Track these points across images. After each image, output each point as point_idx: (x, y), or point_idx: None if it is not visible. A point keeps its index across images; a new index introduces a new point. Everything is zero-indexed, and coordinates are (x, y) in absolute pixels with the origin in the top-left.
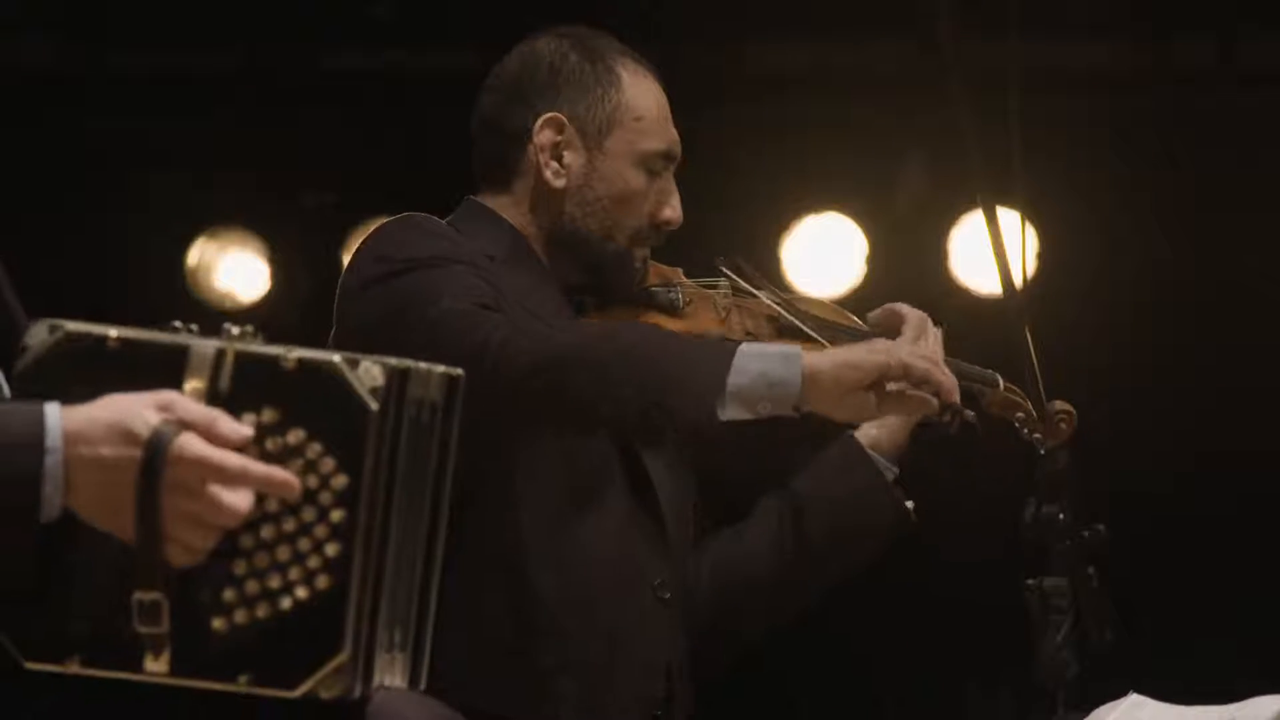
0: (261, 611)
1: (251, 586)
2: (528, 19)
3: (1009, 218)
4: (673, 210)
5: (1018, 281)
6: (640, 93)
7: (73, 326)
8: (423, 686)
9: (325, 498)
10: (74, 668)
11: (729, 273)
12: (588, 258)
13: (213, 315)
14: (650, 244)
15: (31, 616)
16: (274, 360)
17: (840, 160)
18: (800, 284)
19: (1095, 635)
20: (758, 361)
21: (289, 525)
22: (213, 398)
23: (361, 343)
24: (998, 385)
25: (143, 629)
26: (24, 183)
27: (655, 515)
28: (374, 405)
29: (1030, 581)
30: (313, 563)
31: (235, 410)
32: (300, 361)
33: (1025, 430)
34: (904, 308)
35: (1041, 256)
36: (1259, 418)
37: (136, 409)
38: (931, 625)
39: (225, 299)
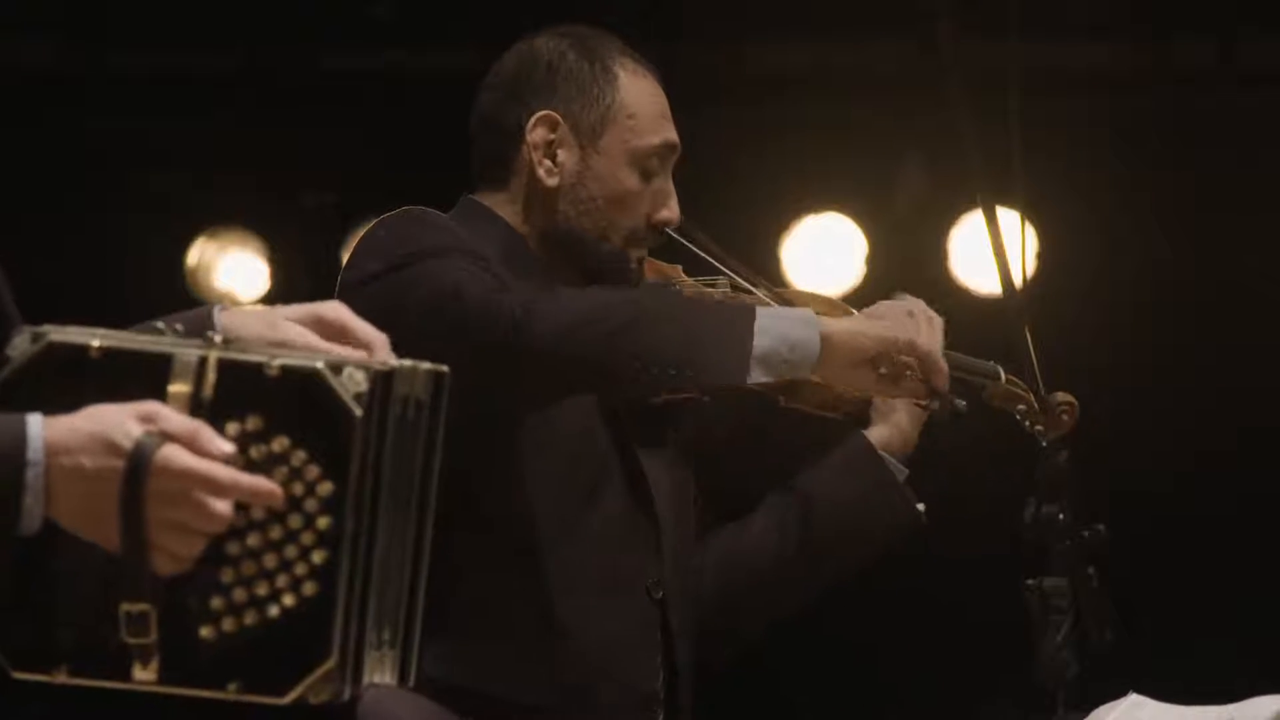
0: (249, 619)
1: (239, 594)
2: (527, 19)
3: (1009, 218)
4: (670, 211)
5: (1017, 281)
6: (636, 91)
7: (55, 336)
8: (412, 683)
9: (311, 505)
10: (61, 677)
11: (680, 238)
12: (582, 258)
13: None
14: (647, 244)
15: (18, 627)
16: (257, 367)
17: (840, 160)
18: (800, 284)
19: (1095, 635)
20: (778, 323)
21: (275, 533)
22: (196, 406)
23: None
24: (999, 378)
25: (131, 639)
26: (24, 183)
27: (651, 516)
28: (358, 411)
29: (1030, 581)
30: (299, 570)
31: (219, 418)
32: (284, 368)
33: (1027, 423)
34: (882, 307)
35: (1041, 256)
36: (1259, 418)
37: (118, 420)
38: (931, 625)
39: (225, 299)
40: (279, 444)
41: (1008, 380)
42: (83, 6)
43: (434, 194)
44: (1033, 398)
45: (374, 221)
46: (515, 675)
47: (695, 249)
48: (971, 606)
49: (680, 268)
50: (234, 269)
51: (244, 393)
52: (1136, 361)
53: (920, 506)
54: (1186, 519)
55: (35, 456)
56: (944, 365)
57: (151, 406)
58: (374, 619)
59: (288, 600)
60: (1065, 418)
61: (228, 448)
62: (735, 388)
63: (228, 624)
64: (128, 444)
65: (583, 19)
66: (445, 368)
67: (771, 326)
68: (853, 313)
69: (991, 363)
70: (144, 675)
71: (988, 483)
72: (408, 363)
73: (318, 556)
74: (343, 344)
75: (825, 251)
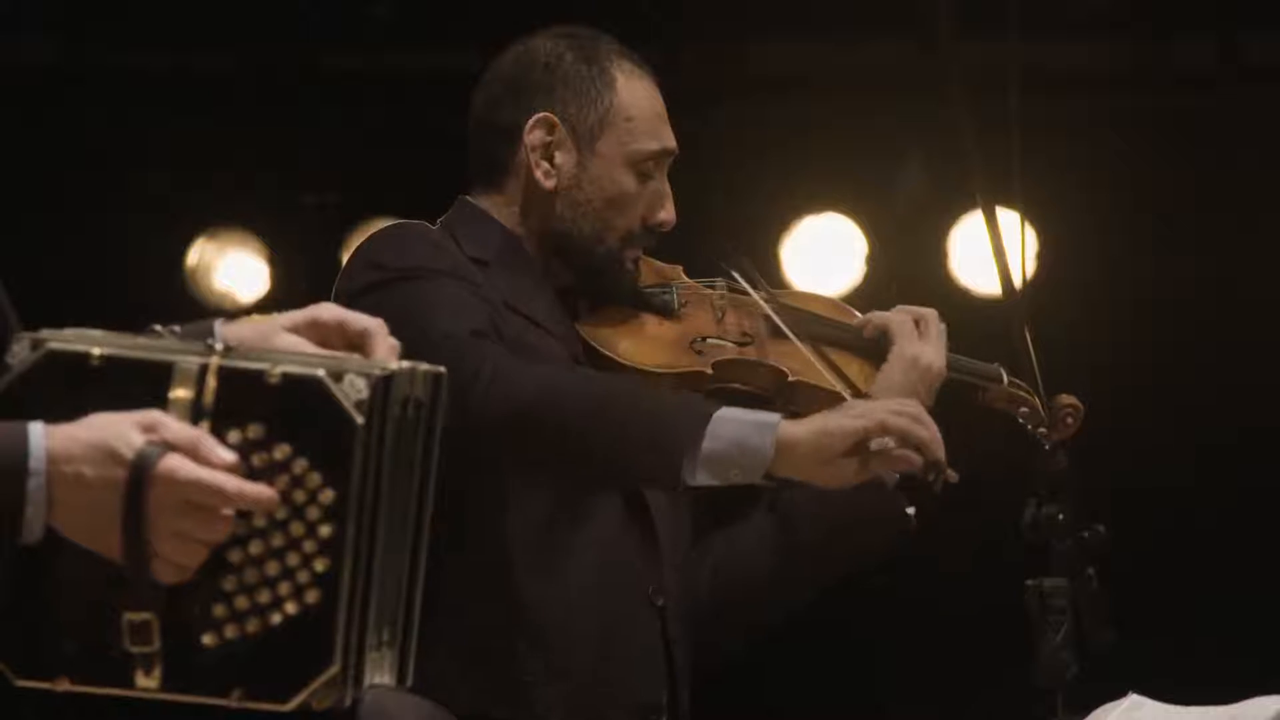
0: (252, 627)
1: (241, 602)
2: (528, 19)
3: (1008, 218)
4: (666, 213)
5: (1017, 282)
6: (634, 94)
7: (55, 344)
8: (409, 683)
9: (313, 513)
10: (64, 685)
11: (735, 274)
12: (578, 260)
13: (212, 316)
14: (642, 245)
15: (20, 635)
16: (258, 375)
17: (840, 161)
18: (800, 284)
19: (1094, 636)
20: (733, 428)
21: (277, 540)
22: (197, 414)
23: None
24: (1001, 380)
25: (134, 648)
26: (24, 183)
27: (647, 522)
28: (359, 419)
29: (1030, 582)
30: (301, 578)
31: (220, 426)
32: (285, 376)
33: (1030, 425)
34: (883, 315)
35: (1041, 257)
36: (1259, 417)
37: (120, 429)
38: (931, 625)
39: (225, 299)
40: (280, 452)
41: (1010, 383)
42: (83, 6)
43: (434, 194)
44: (1036, 400)
45: (372, 231)
46: (516, 691)
47: (742, 280)
48: (971, 606)
49: (681, 268)
50: (234, 269)
51: (245, 400)
52: (1136, 361)
53: (910, 510)
54: (1186, 519)
55: (37, 465)
56: (934, 437)
57: (153, 415)
58: (374, 619)
59: (290, 608)
60: (1069, 420)
61: (230, 457)
62: (675, 489)
63: (230, 631)
64: (129, 454)
65: (583, 19)
66: (443, 369)
67: (723, 432)
68: (855, 314)
69: (995, 365)
70: (146, 683)
71: (987, 483)
72: (407, 364)
73: (320, 564)
74: (340, 338)
75: (825, 251)
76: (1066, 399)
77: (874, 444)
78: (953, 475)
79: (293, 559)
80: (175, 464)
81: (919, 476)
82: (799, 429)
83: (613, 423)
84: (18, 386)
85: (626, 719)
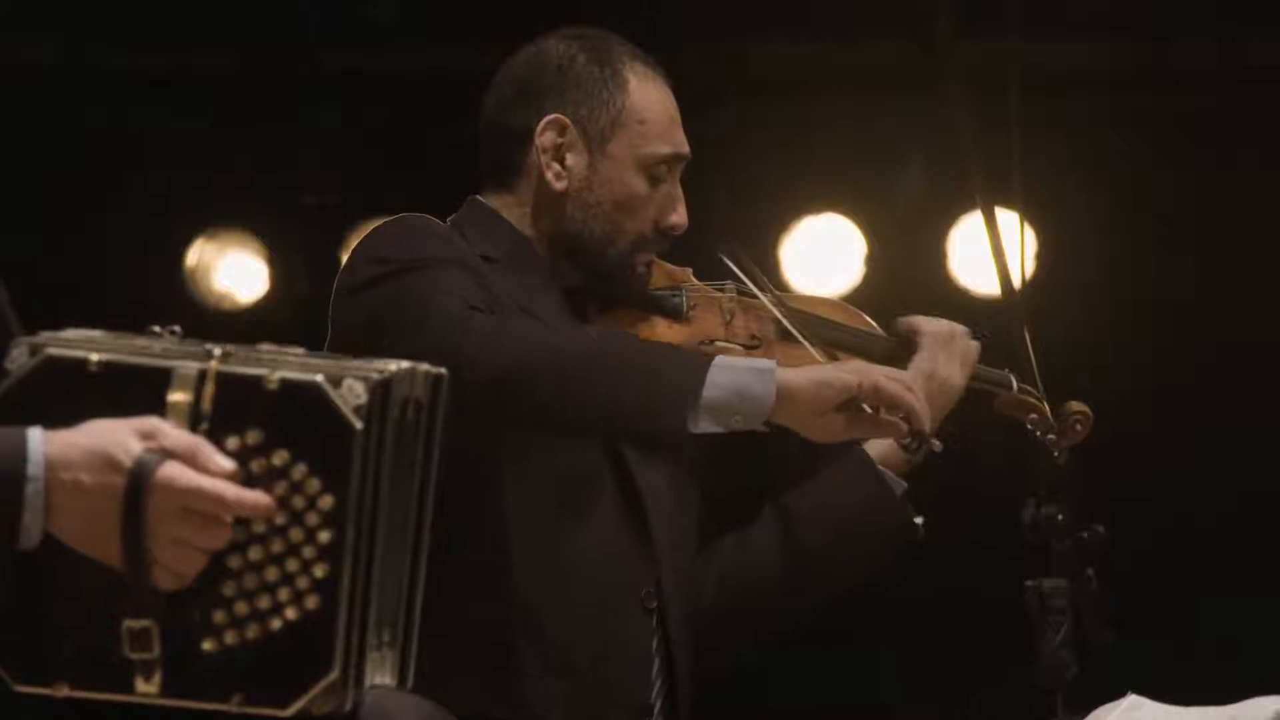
0: (251, 632)
1: (241, 608)
2: (528, 19)
3: (1008, 218)
4: (678, 216)
5: (1016, 282)
6: (646, 96)
7: (53, 350)
8: (410, 684)
9: (312, 519)
10: (63, 691)
11: (728, 261)
12: (588, 261)
13: (212, 316)
14: (654, 249)
15: (19, 640)
16: (257, 381)
17: (839, 161)
18: (799, 285)
19: (1094, 636)
20: (731, 374)
21: (277, 546)
22: (195, 420)
23: (355, 344)
24: (1011, 386)
25: (134, 655)
26: (24, 183)
27: (643, 524)
28: (358, 424)
29: (1030, 582)
30: (301, 584)
31: (219, 432)
32: (283, 381)
33: (1039, 432)
34: (923, 322)
35: (1040, 257)
36: (1259, 418)
37: (119, 436)
38: (930, 625)
39: (224, 299)
40: (279, 457)
41: (1020, 389)
42: (83, 6)
43: (434, 194)
44: (1045, 407)
45: (374, 226)
46: (515, 690)
47: (738, 270)
48: (971, 607)
49: (690, 271)
50: (233, 269)
51: (244, 406)
52: (1136, 362)
53: (919, 520)
54: (1186, 519)
55: (35, 471)
56: (923, 408)
57: (152, 423)
58: (374, 621)
59: (290, 613)
60: (1079, 427)
61: (228, 464)
62: (679, 437)
63: (230, 637)
64: (128, 461)
65: (585, 19)
66: (444, 370)
67: (721, 379)
68: (865, 319)
69: (1005, 371)
70: (146, 688)
71: (987, 483)
72: (406, 364)
73: (319, 570)
74: None
75: (824, 252)
76: (1076, 405)
77: (864, 407)
78: (936, 445)
79: (292, 565)
80: (174, 471)
81: (905, 446)
82: (798, 376)
83: (612, 372)
84: (16, 392)
85: (625, 718)
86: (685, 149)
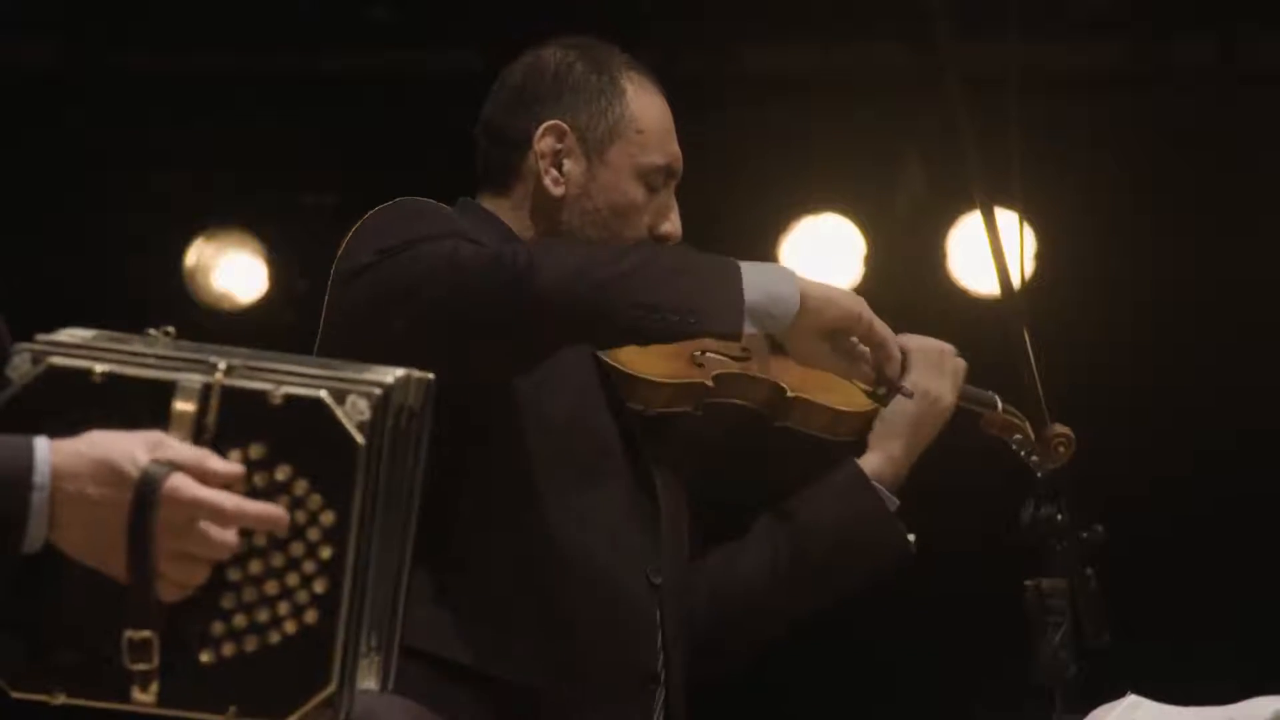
0: (250, 645)
1: (240, 620)
2: (526, 21)
3: (1007, 218)
4: (671, 225)
5: (1016, 282)
6: (644, 106)
7: (56, 360)
8: (390, 687)
9: (313, 534)
10: (60, 698)
11: None
12: None
13: (211, 316)
14: None
15: (17, 647)
16: (261, 395)
17: (839, 161)
18: None
19: (1093, 636)
20: (763, 277)
21: (277, 560)
22: (199, 433)
23: (357, 324)
24: (996, 407)
25: (133, 666)
26: (24, 183)
27: (653, 501)
28: (361, 440)
29: (1029, 582)
30: (301, 598)
31: (222, 446)
32: (287, 397)
33: (1023, 453)
34: (910, 340)
35: (1040, 257)
36: (1259, 418)
37: (125, 447)
38: (929, 625)
39: (223, 299)
40: (282, 472)
41: (1004, 410)
42: (83, 6)
43: (433, 195)
44: (1029, 428)
45: (372, 212)
46: (513, 655)
47: None
48: (969, 606)
49: None
50: (232, 269)
51: (247, 420)
52: (1135, 361)
53: (911, 537)
54: (1185, 519)
55: (42, 480)
56: (897, 354)
57: (157, 435)
58: (365, 632)
59: (289, 627)
60: (1061, 450)
61: (237, 468)
62: (733, 336)
63: (228, 649)
64: (135, 473)
65: (583, 20)
66: (431, 375)
67: (758, 280)
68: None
69: (989, 392)
70: (143, 698)
71: (986, 482)
72: (400, 373)
73: (319, 585)
74: None
75: (824, 252)
76: (1059, 428)
77: (844, 343)
78: (908, 390)
79: (292, 579)
80: (180, 484)
81: (873, 392)
82: (811, 285)
83: (671, 269)
84: (18, 401)
85: (623, 686)
86: (680, 160)
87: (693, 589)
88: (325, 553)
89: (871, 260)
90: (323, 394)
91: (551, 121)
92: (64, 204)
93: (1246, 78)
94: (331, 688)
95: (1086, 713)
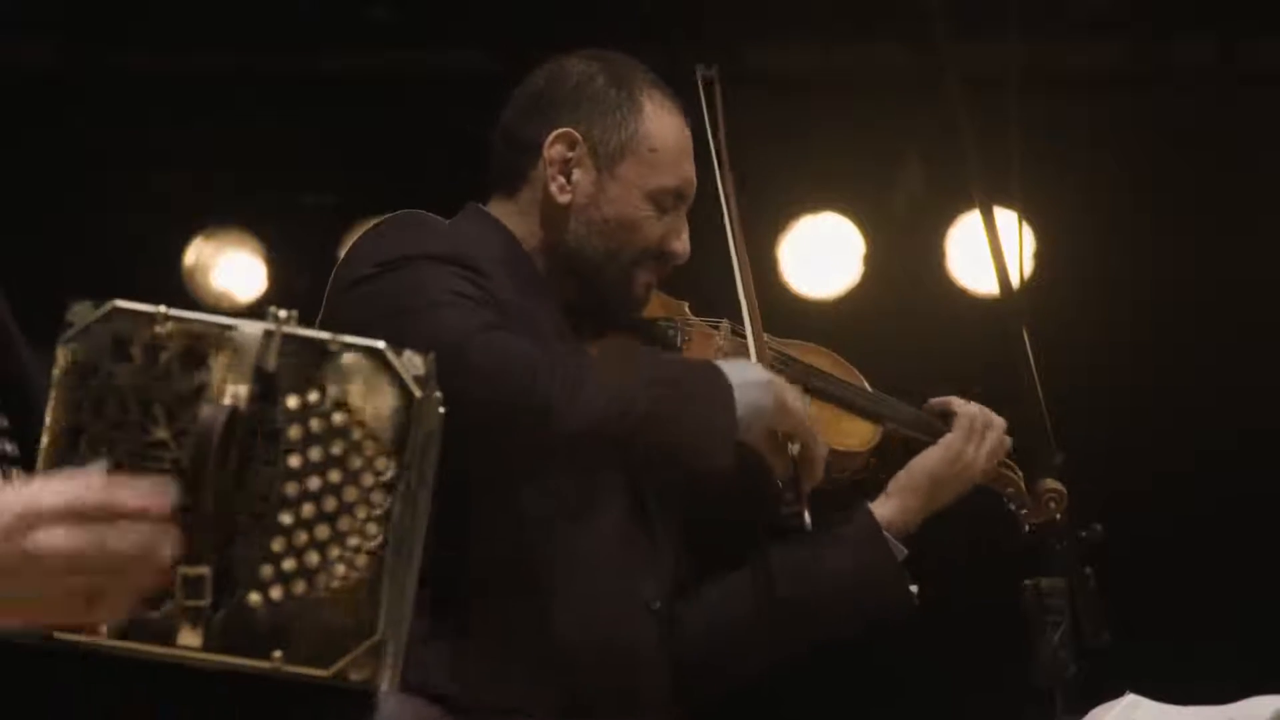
0: (298, 589)
1: (289, 564)
2: (527, 21)
3: (1006, 218)
4: (680, 244)
5: (1015, 282)
6: (661, 126)
7: (120, 302)
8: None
9: (368, 479)
10: (104, 640)
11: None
12: (587, 277)
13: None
14: (654, 269)
15: None
16: (321, 344)
17: (838, 161)
18: (797, 284)
19: (1092, 636)
20: (749, 394)
21: (330, 505)
22: (259, 377)
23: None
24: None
25: (186, 601)
26: (24, 182)
27: (650, 528)
28: (419, 392)
29: (1028, 581)
30: (353, 542)
31: (281, 390)
32: (346, 345)
33: (1013, 506)
34: (965, 406)
35: (1039, 256)
36: (1258, 418)
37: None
38: (928, 624)
39: (222, 299)
40: (340, 417)
41: (1000, 462)
42: (83, 6)
43: (431, 194)
44: (1022, 482)
45: (372, 223)
46: (513, 691)
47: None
48: (969, 606)
49: (686, 305)
50: (231, 269)
51: (307, 367)
52: (1135, 361)
53: (914, 589)
54: (1185, 519)
55: None
56: (820, 473)
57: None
58: (412, 583)
59: (339, 571)
60: (1051, 505)
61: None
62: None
63: (276, 592)
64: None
65: (583, 20)
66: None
67: (744, 398)
68: (855, 373)
69: None
70: (189, 640)
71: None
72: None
73: (373, 529)
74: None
75: (823, 252)
76: (1050, 484)
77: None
78: (807, 522)
79: (344, 524)
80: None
81: (782, 496)
82: (784, 396)
83: (679, 410)
84: (82, 339)
85: (629, 712)
86: (693, 184)
87: (688, 617)
88: (379, 497)
89: (871, 260)
90: (381, 345)
91: (564, 129)
92: (64, 204)
93: (1246, 78)
94: (378, 635)
95: (1085, 712)
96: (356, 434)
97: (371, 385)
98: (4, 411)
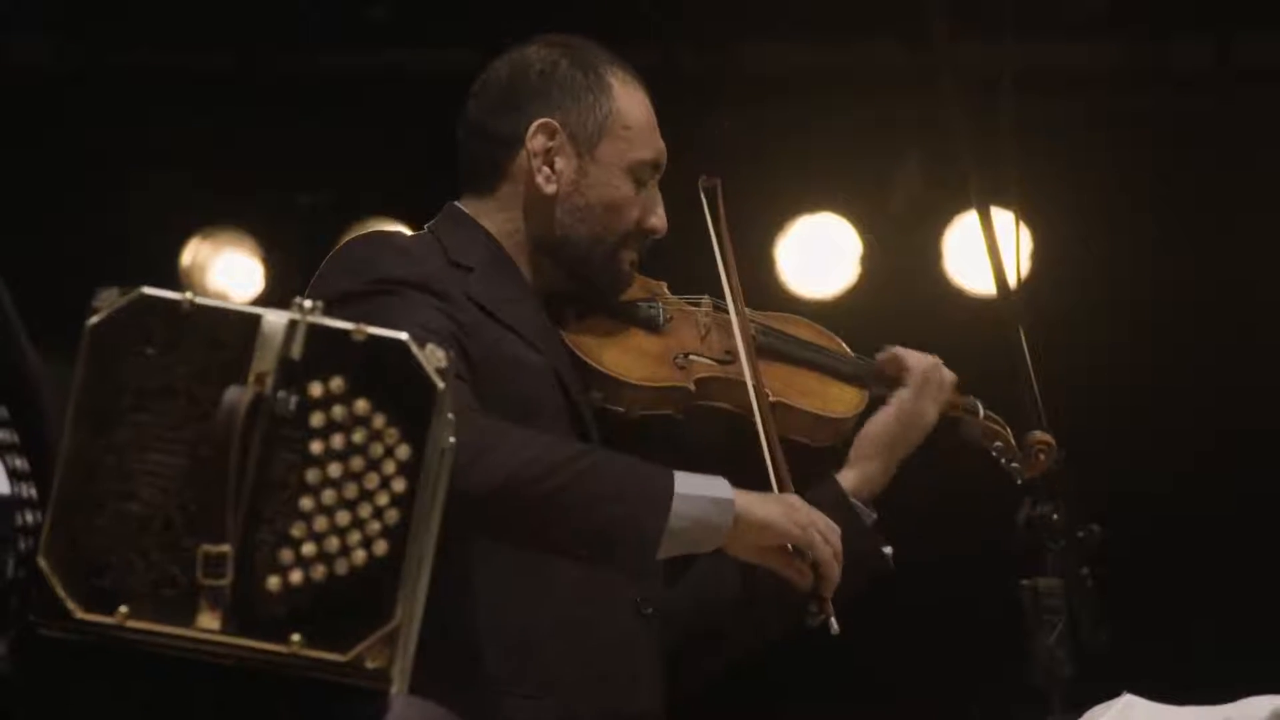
0: (317, 573)
1: (309, 549)
2: (524, 20)
3: (1003, 218)
4: (658, 219)
5: (1012, 282)
6: (630, 102)
7: (147, 289)
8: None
9: (389, 467)
10: (122, 619)
11: (705, 196)
12: (575, 262)
13: None
14: (637, 248)
15: (83, 566)
16: (345, 334)
17: (835, 161)
18: (795, 284)
19: (1089, 636)
20: (693, 506)
21: (350, 491)
22: (284, 364)
23: None
24: (977, 413)
25: (206, 580)
26: (22, 182)
27: None
28: (440, 383)
29: (1025, 581)
30: (372, 528)
31: (304, 377)
32: (370, 336)
33: (1003, 460)
34: (911, 356)
35: (1035, 256)
36: (1257, 418)
37: None
38: (925, 624)
39: (219, 299)
40: (361, 406)
41: (986, 416)
42: (82, 6)
43: (430, 195)
44: (1010, 435)
45: (343, 242)
46: (507, 708)
47: (719, 205)
48: (966, 606)
49: (665, 284)
50: (228, 268)
51: (330, 355)
52: (1132, 361)
53: (888, 550)
54: (1182, 519)
55: None
56: (834, 579)
57: None
58: (420, 597)
59: (358, 556)
60: (1041, 457)
61: None
62: (639, 576)
63: (295, 576)
64: None
65: (581, 19)
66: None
67: (688, 509)
68: (838, 342)
69: (970, 397)
70: (208, 623)
71: (983, 482)
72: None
73: (392, 516)
74: None
75: (820, 252)
76: (1040, 435)
77: (788, 557)
78: (835, 627)
79: (364, 510)
80: None
81: (805, 608)
82: (753, 513)
83: (588, 506)
84: (110, 323)
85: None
86: (665, 154)
87: (667, 606)
88: (399, 485)
89: (867, 260)
90: (404, 336)
91: (543, 119)
92: (64, 204)
93: (1243, 77)
94: (395, 622)
95: (1081, 712)
96: (377, 421)
97: (395, 374)
98: (3, 401)
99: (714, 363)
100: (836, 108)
